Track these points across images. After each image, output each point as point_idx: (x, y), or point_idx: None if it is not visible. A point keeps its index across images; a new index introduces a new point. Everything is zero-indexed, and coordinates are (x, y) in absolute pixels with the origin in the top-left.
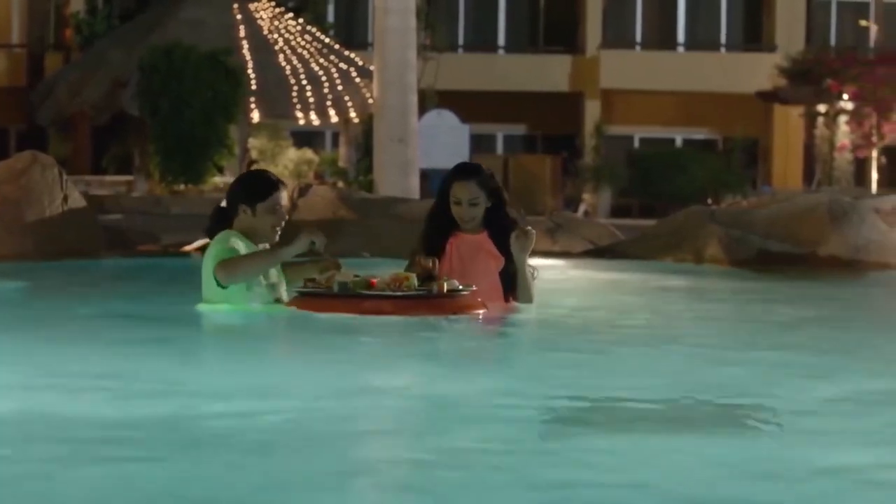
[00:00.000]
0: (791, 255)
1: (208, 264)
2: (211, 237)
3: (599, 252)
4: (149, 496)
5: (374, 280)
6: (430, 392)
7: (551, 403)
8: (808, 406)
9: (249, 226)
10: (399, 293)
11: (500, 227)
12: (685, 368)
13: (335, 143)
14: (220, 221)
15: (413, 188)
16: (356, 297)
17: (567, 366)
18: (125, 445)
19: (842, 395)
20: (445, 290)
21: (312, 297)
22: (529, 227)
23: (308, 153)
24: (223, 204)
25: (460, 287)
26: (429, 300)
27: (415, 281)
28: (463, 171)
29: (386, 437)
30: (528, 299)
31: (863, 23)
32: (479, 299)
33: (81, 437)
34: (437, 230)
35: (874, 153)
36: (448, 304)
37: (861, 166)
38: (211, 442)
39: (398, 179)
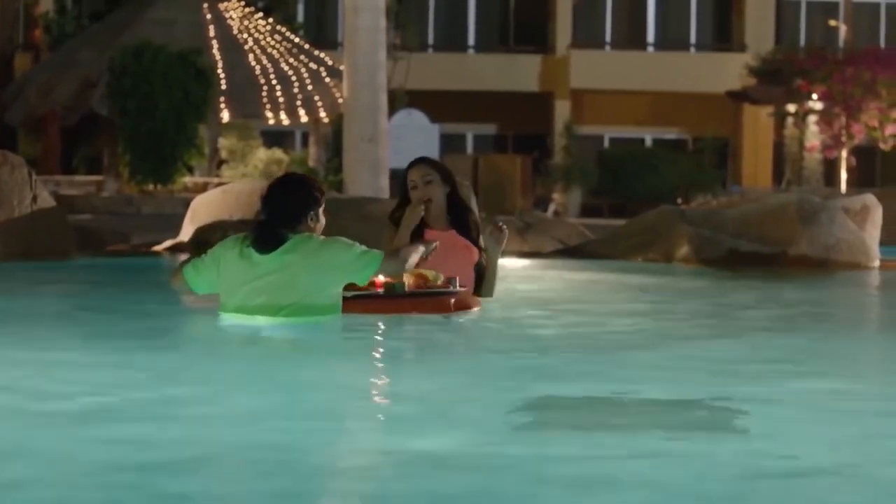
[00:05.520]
0: (761, 255)
1: (349, 265)
2: (268, 250)
3: (569, 252)
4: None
5: (378, 280)
6: (408, 390)
7: (522, 404)
8: (774, 406)
9: (312, 231)
10: (456, 290)
11: (464, 223)
12: (653, 368)
13: (305, 143)
14: (274, 236)
15: (383, 188)
16: (442, 295)
17: (535, 365)
18: (98, 442)
19: (810, 394)
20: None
21: (372, 300)
22: (503, 224)
23: (278, 153)
24: (261, 217)
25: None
26: (471, 296)
27: (435, 277)
28: (412, 161)
29: (359, 435)
30: (490, 293)
31: (832, 23)
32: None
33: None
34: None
35: (843, 153)
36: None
37: (830, 166)
38: (203, 438)
39: (368, 179)
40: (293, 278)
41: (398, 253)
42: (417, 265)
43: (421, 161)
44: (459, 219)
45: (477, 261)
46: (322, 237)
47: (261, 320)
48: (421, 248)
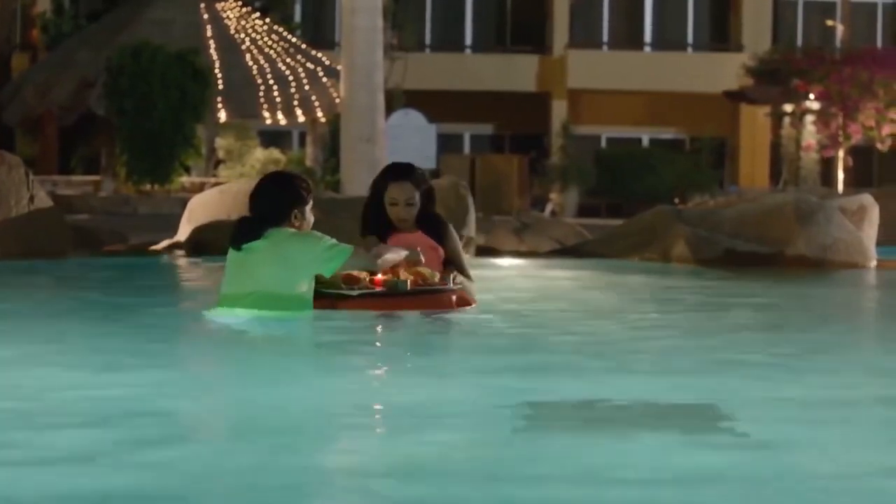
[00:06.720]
0: (758, 255)
1: (316, 257)
2: (241, 244)
3: (567, 252)
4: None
5: (378, 278)
6: (404, 388)
7: (519, 403)
8: (771, 405)
9: (298, 229)
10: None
11: (432, 225)
12: (650, 367)
13: (302, 143)
14: (252, 232)
15: None
16: (443, 292)
17: (531, 364)
18: (77, 440)
19: (808, 394)
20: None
21: (375, 297)
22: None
23: (275, 153)
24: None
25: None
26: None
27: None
28: (398, 172)
29: (354, 435)
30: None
31: (829, 23)
32: None
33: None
34: (376, 231)
35: (840, 153)
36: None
37: (828, 166)
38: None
39: (366, 179)
40: (256, 267)
41: (371, 249)
42: (397, 268)
43: (408, 179)
44: (428, 222)
45: (444, 258)
46: (294, 230)
47: (251, 315)
48: (403, 252)
